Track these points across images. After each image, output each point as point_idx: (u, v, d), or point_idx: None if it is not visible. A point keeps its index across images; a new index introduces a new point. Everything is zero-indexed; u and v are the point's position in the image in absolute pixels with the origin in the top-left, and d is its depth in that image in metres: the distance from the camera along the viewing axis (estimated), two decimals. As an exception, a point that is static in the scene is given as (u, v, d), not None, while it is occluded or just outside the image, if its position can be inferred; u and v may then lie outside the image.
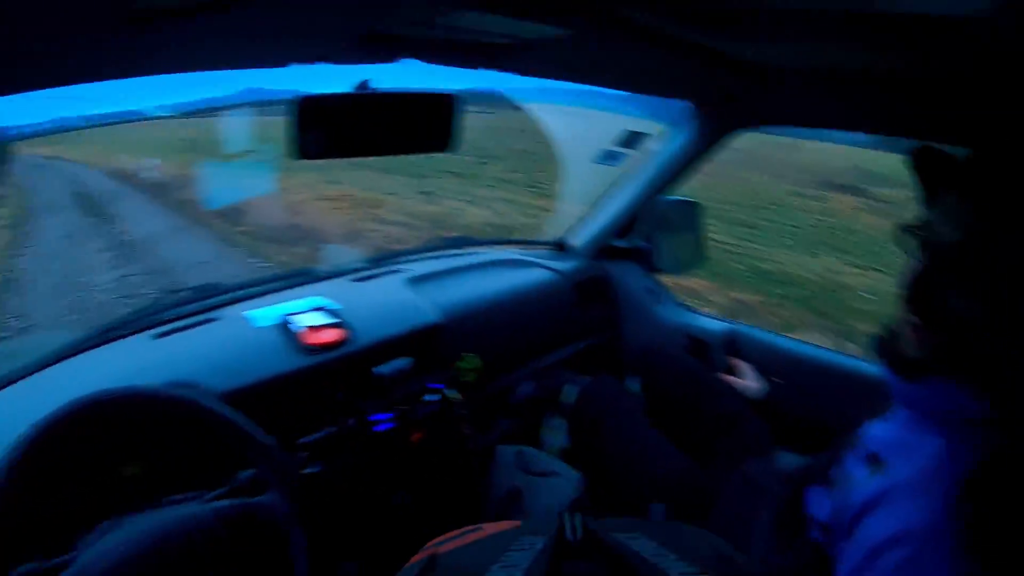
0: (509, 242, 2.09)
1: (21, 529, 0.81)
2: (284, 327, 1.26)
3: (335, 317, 1.30)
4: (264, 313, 1.32)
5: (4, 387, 1.16)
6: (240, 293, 1.51)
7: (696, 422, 1.35)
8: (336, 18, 0.71)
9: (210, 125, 15.57)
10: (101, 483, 0.99)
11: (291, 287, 1.53)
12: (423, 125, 0.97)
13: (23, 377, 1.19)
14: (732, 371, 1.53)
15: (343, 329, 1.27)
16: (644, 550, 0.51)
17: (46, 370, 1.21)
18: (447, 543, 0.57)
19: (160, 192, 12.19)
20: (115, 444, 1.00)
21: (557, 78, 1.11)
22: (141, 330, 1.33)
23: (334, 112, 0.91)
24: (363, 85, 0.91)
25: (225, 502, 0.84)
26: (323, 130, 0.91)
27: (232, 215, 9.05)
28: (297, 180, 11.65)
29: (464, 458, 1.42)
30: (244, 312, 1.34)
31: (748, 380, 1.49)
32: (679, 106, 1.47)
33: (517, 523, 0.61)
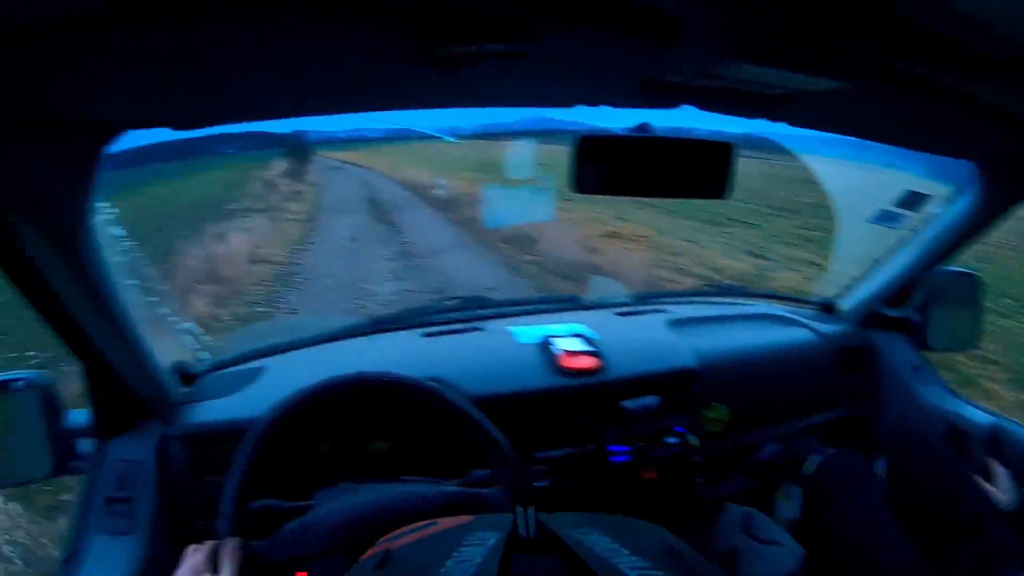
0: (775, 296, 2.10)
1: (270, 471, 1.02)
2: (544, 347, 1.46)
3: (593, 346, 1.45)
4: (527, 331, 1.54)
5: (285, 352, 1.52)
6: (508, 309, 1.78)
7: (942, 520, 1.27)
8: (620, 65, 0.83)
9: (497, 149, 16.98)
10: (349, 451, 1.25)
11: (555, 311, 1.77)
12: (699, 171, 1.05)
13: (301, 347, 1.54)
14: (986, 472, 1.39)
15: (598, 358, 1.41)
16: (596, 545, 0.54)
17: (321, 345, 1.55)
18: (401, 538, 0.63)
19: (447, 208, 13.25)
20: (368, 420, 1.25)
21: (833, 131, 1.12)
22: (411, 327, 1.62)
23: (612, 151, 1.03)
24: (643, 127, 1.02)
25: (454, 488, 0.99)
26: (601, 167, 1.04)
27: (521, 242, 9.54)
28: (584, 212, 11.93)
29: (691, 507, 1.46)
30: (509, 327, 1.57)
31: (1001, 486, 1.34)
32: (964, 167, 1.37)
33: (470, 518, 0.66)
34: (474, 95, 0.99)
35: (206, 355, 1.72)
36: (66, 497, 3.35)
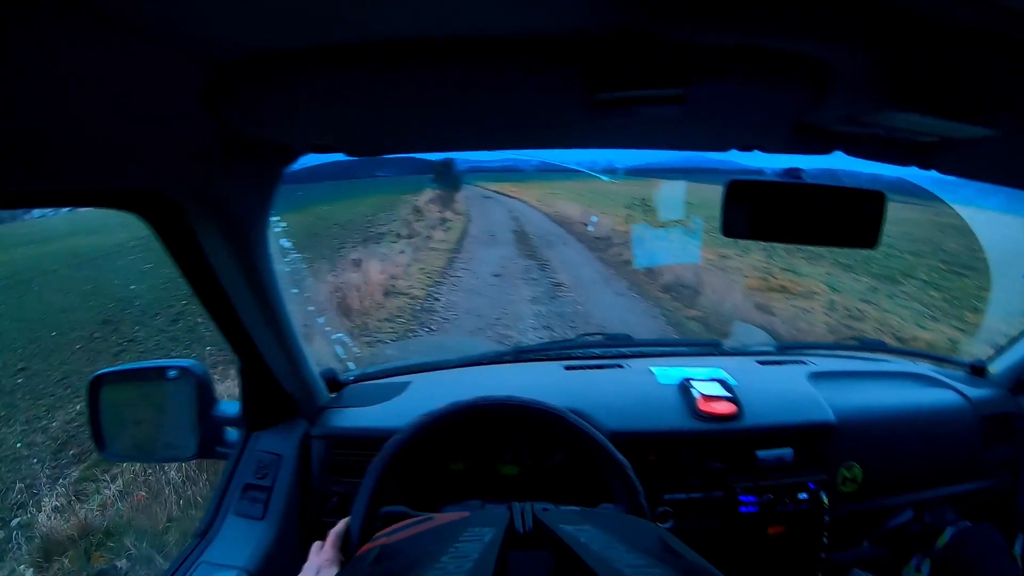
0: (922, 355, 2.10)
1: (403, 480, 1.13)
2: (683, 389, 1.51)
3: (731, 392, 1.49)
4: (668, 372, 1.60)
5: (429, 371, 1.68)
6: (650, 348, 1.87)
7: None
8: (773, 111, 0.87)
9: (648, 187, 16.87)
10: (481, 471, 1.35)
11: (697, 355, 1.83)
12: (849, 219, 1.06)
13: (445, 368, 1.70)
14: None
15: (736, 405, 1.45)
16: (593, 541, 0.55)
17: (464, 368, 1.70)
18: (397, 533, 0.65)
19: (598, 246, 13.07)
20: (503, 443, 1.35)
21: (985, 180, 1.09)
22: (553, 359, 1.74)
23: (762, 195, 1.07)
24: (794, 172, 1.05)
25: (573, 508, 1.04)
26: (750, 211, 1.07)
27: (680, 291, 9.27)
28: (746, 260, 11.62)
29: (815, 569, 1.44)
30: (650, 367, 1.64)
31: None
32: None
33: (467, 514, 0.68)
34: (631, 137, 1.08)
35: (353, 365, 1.95)
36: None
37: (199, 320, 8.40)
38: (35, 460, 5.41)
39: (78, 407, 6.25)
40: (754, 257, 11.81)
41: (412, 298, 9.35)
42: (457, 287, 10.06)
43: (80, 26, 0.51)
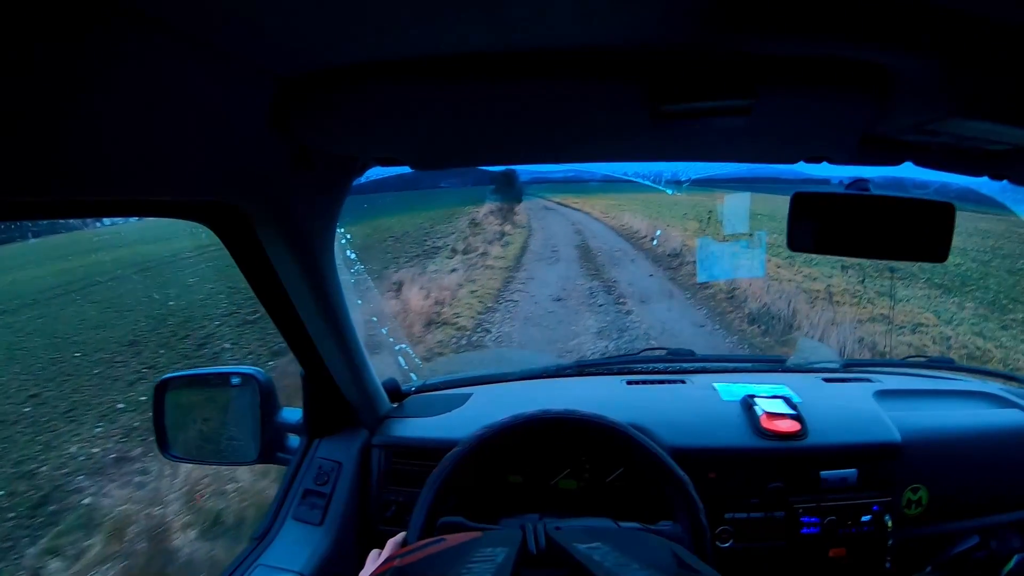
0: (993, 373, 2.06)
1: (462, 491, 1.21)
2: (746, 406, 1.58)
3: (795, 410, 1.54)
4: (731, 388, 1.67)
5: (491, 383, 1.80)
6: (713, 364, 1.95)
7: None
8: (840, 122, 0.93)
9: (714, 199, 16.99)
10: (539, 485, 1.44)
11: (761, 371, 1.90)
12: (918, 232, 1.11)
13: (507, 381, 1.81)
14: None
15: (799, 423, 1.50)
16: (606, 560, 0.59)
17: (526, 381, 1.82)
18: (410, 555, 0.68)
19: (671, 264, 12.71)
20: (562, 458, 1.44)
21: None
22: (616, 373, 1.83)
23: (828, 208, 1.13)
24: (860, 184, 1.11)
25: (633, 524, 1.09)
26: (816, 224, 1.14)
27: (771, 323, 8.95)
28: (837, 280, 11.18)
29: None
30: (713, 383, 1.72)
31: None
32: None
33: (479, 534, 0.71)
34: (697, 149, 1.16)
35: (414, 376, 2.09)
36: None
37: (226, 345, 8.75)
38: (11, 514, 5.38)
39: (73, 448, 6.40)
40: (844, 278, 11.39)
41: (459, 329, 9.19)
42: (512, 315, 9.83)
43: (155, 44, 0.60)
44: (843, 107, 0.86)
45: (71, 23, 0.51)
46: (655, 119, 0.86)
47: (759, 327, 8.92)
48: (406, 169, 1.18)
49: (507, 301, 10.64)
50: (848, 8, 0.60)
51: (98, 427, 6.75)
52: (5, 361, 9.39)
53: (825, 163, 1.16)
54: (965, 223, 15.47)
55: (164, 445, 1.52)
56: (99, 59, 0.56)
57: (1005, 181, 1.10)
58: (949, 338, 8.82)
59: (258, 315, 9.15)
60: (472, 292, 11.24)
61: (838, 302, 10.21)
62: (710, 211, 15.26)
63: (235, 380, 1.53)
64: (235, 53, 0.68)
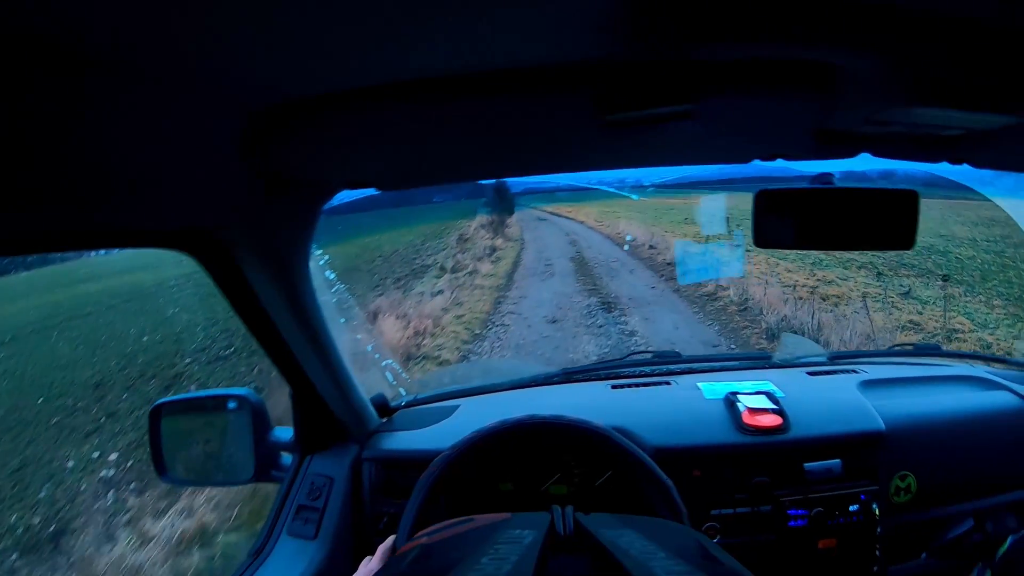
0: (979, 356, 2.11)
1: (453, 501, 1.25)
2: (728, 403, 1.66)
3: (777, 404, 1.61)
4: (714, 387, 1.76)
5: (478, 394, 1.91)
6: (698, 364, 2.04)
7: None
8: (789, 119, 0.98)
9: (686, 201, 16.93)
10: (530, 492, 1.51)
11: (747, 368, 1.99)
12: (883, 221, 1.19)
13: (494, 392, 1.92)
14: None
15: (781, 417, 1.57)
16: (632, 547, 0.62)
17: (514, 391, 1.92)
18: (438, 533, 0.72)
19: (670, 274, 12.20)
20: (550, 465, 1.51)
21: (1015, 169, 1.21)
22: (603, 379, 1.93)
23: (793, 204, 1.20)
24: (824, 178, 1.19)
25: None
26: (782, 220, 1.21)
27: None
28: (856, 282, 10.95)
29: None
30: (698, 383, 1.80)
31: None
32: None
33: (508, 515, 0.74)
34: (652, 155, 1.25)
35: (403, 391, 2.19)
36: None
37: (193, 386, 8.69)
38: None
39: (13, 517, 6.20)
40: (860, 279, 11.24)
41: (440, 364, 8.77)
42: (501, 342, 9.33)
43: (126, 86, 0.66)
44: (790, 106, 0.91)
45: (35, 70, 0.57)
46: (604, 128, 0.93)
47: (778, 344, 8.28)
48: (373, 192, 1.29)
49: (497, 326, 10.28)
50: (785, 13, 0.64)
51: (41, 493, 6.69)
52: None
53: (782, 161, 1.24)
54: (964, 212, 15.81)
55: (162, 469, 1.61)
56: (70, 101, 0.63)
57: (965, 165, 1.16)
58: (990, 345, 8.32)
59: (231, 350, 9.27)
60: (459, 318, 10.96)
61: (852, 306, 10.03)
62: (685, 211, 15.27)
63: (228, 404, 1.62)
64: (205, 91, 0.74)
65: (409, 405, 1.89)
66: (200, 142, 0.86)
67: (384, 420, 1.79)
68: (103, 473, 6.47)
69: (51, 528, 5.80)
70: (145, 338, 11.57)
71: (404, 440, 1.69)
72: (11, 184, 0.62)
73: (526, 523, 0.71)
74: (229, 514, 5.01)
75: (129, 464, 6.51)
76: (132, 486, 5.95)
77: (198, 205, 0.97)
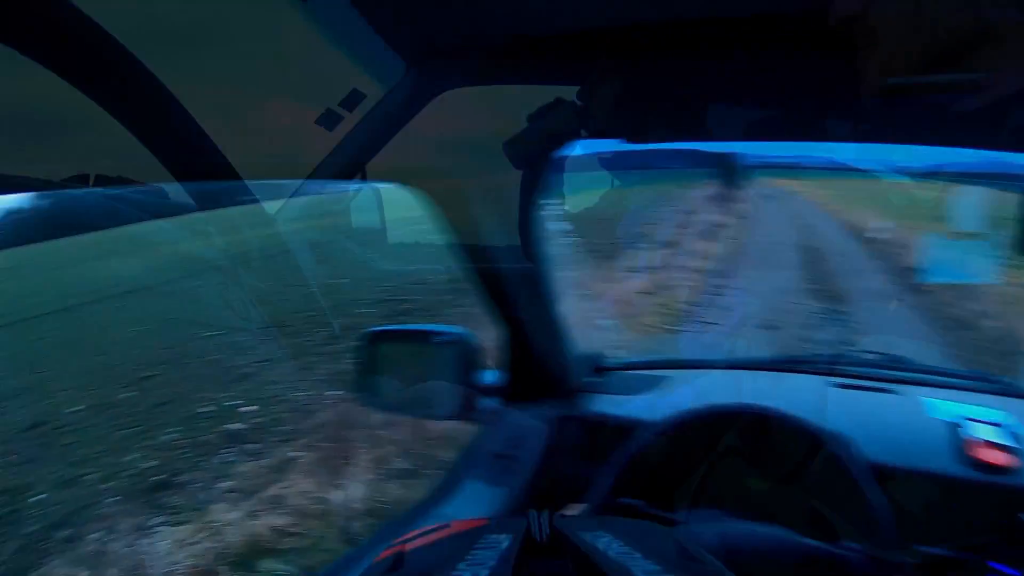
0: None
1: (648, 475, 1.27)
2: (956, 428, 1.52)
3: (1013, 441, 1.46)
4: (943, 406, 1.62)
5: (693, 368, 1.89)
6: (928, 377, 1.89)
7: None
8: None
9: (942, 191, 15.29)
10: (728, 480, 1.46)
11: (979, 391, 1.80)
12: None
13: (710, 367, 1.90)
14: None
15: (1015, 457, 1.42)
16: (610, 549, 0.62)
17: (728, 371, 1.88)
18: (413, 540, 0.71)
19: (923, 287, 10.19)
20: (756, 455, 1.46)
21: None
22: (824, 373, 1.84)
23: None
24: None
25: (818, 544, 1.12)
26: None
27: None
28: None
29: None
30: (923, 397, 1.68)
31: None
32: None
33: (485, 521, 0.73)
34: (926, 132, 1.14)
35: (620, 353, 2.22)
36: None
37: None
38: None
39: (129, 456, 5.85)
40: None
41: (658, 329, 8.31)
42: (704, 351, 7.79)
43: None
44: None
45: None
46: (882, 92, 0.84)
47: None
48: (614, 144, 1.26)
49: (701, 322, 8.94)
50: None
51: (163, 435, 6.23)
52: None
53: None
54: None
55: (366, 394, 1.73)
56: None
57: None
58: None
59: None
60: (660, 305, 9.63)
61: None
62: (937, 201, 13.74)
63: (442, 338, 1.68)
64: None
65: (621, 368, 1.90)
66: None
67: (595, 380, 1.81)
68: (229, 426, 6.14)
69: (154, 477, 5.43)
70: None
71: (610, 404, 1.71)
72: None
73: (502, 527, 0.72)
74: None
75: (259, 421, 6.12)
76: (249, 447, 5.57)
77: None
